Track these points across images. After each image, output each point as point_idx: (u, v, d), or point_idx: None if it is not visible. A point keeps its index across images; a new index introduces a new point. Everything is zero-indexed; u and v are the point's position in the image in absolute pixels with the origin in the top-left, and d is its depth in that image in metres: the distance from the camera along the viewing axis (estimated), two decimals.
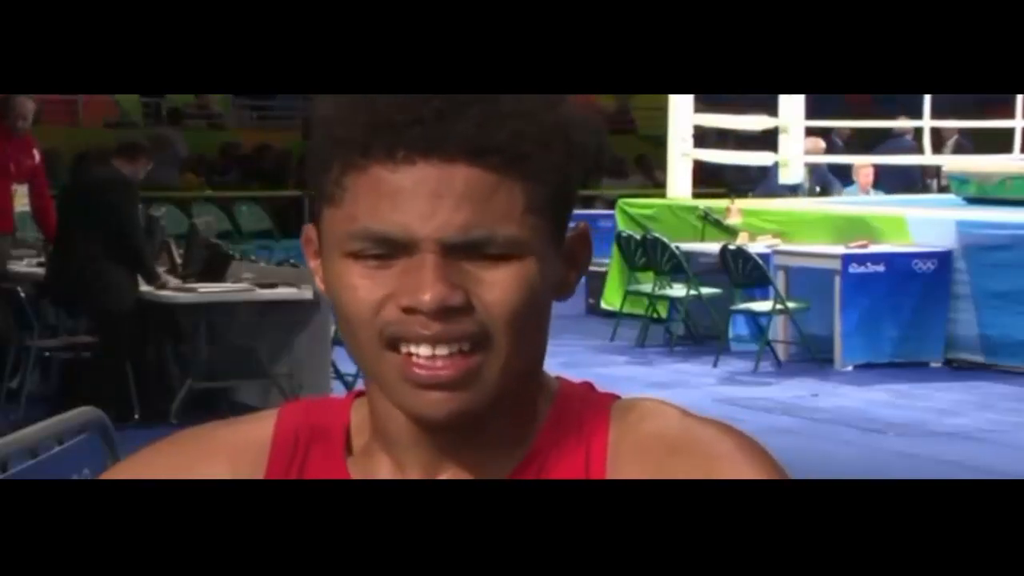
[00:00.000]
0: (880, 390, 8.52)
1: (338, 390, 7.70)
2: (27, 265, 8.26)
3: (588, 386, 1.11)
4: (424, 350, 1.01)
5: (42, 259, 8.17)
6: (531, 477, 1.07)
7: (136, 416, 7.24)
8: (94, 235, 7.15)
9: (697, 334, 10.16)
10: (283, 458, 1.10)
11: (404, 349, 1.02)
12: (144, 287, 7.42)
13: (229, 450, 1.11)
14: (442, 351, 1.01)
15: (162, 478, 1.11)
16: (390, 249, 1.00)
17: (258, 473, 1.10)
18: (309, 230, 1.06)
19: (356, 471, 1.09)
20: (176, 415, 7.43)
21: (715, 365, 9.33)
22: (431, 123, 0.99)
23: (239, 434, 1.12)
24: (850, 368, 9.12)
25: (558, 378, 1.12)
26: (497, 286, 1.00)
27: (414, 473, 1.07)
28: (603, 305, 11.38)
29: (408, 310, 1.00)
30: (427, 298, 0.99)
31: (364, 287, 1.01)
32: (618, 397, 1.10)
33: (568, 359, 9.63)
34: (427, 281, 0.99)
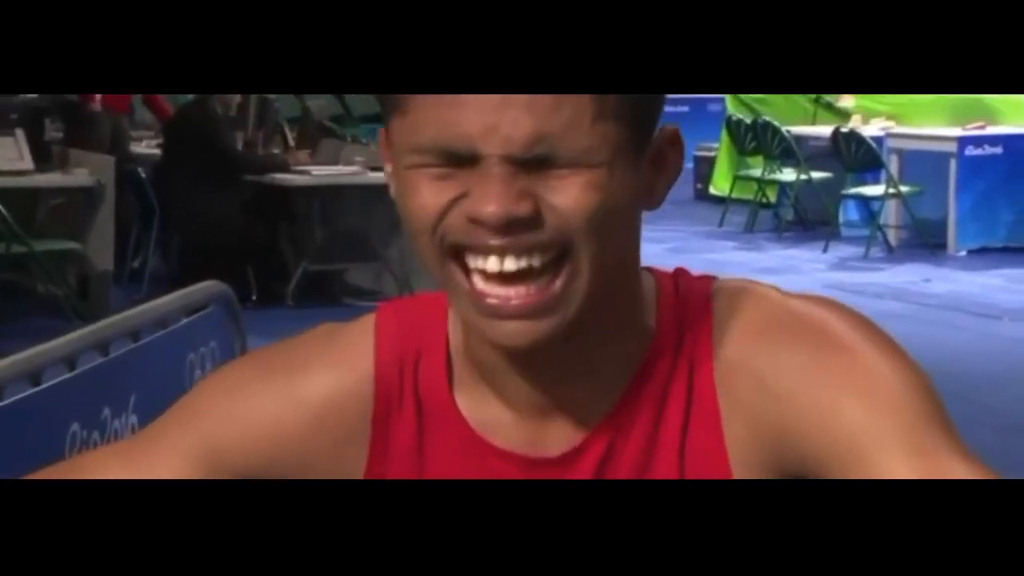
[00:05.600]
0: (994, 275, 8.41)
1: None
2: (146, 147, 8.42)
3: (683, 274, 1.06)
4: (492, 264, 0.96)
5: (160, 140, 8.33)
6: (642, 398, 1.02)
7: (253, 298, 7.41)
8: (194, 167, 7.42)
9: (807, 219, 10.07)
10: (390, 386, 1.05)
11: (471, 263, 0.96)
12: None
13: (331, 366, 1.05)
14: (510, 265, 0.95)
15: (262, 401, 1.05)
16: (454, 160, 0.95)
17: (366, 397, 1.05)
18: (383, 134, 1.01)
19: (465, 405, 1.04)
20: (292, 297, 7.58)
21: (825, 251, 9.26)
22: None
23: (338, 352, 1.06)
24: (964, 253, 9.00)
25: (651, 271, 1.05)
26: (567, 195, 0.94)
27: (523, 409, 1.02)
28: (712, 190, 11.31)
29: (474, 220, 0.95)
30: (492, 209, 0.94)
31: (429, 194, 0.96)
32: (714, 279, 1.05)
33: (677, 244, 9.62)
34: (492, 193, 0.94)
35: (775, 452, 1.00)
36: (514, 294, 0.96)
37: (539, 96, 0.93)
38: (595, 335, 1.00)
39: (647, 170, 0.99)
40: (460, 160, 0.95)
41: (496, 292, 0.96)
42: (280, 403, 1.05)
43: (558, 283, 0.97)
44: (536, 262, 0.96)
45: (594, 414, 1.03)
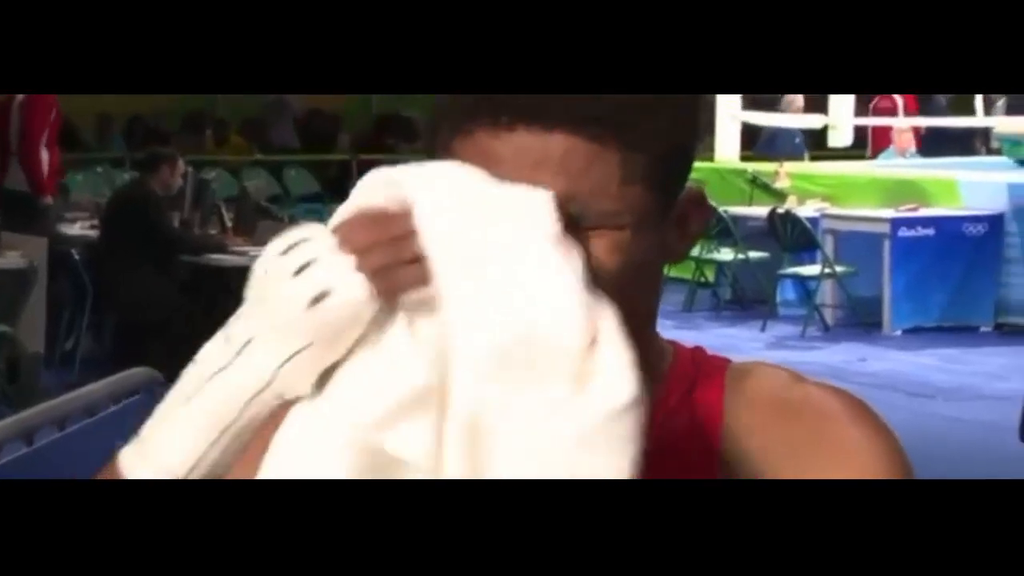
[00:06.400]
0: (929, 354, 8.48)
1: None
2: (80, 228, 8.35)
3: (700, 350, 1.13)
4: None
5: (95, 222, 8.27)
6: (648, 440, 1.06)
7: None
8: (131, 247, 7.41)
9: (744, 299, 10.14)
10: None
11: None
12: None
13: None
14: None
15: None
16: None
17: None
18: None
19: None
20: None
21: (763, 330, 9.32)
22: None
23: None
24: (899, 332, 9.08)
25: (671, 342, 1.12)
26: (591, 254, 1.00)
27: None
28: None
29: None
30: None
31: None
32: (730, 361, 1.12)
33: None
34: None
35: None
36: None
37: (571, 157, 0.99)
38: None
39: (671, 230, 1.05)
40: None
41: None
42: None
43: None
44: None
45: None
